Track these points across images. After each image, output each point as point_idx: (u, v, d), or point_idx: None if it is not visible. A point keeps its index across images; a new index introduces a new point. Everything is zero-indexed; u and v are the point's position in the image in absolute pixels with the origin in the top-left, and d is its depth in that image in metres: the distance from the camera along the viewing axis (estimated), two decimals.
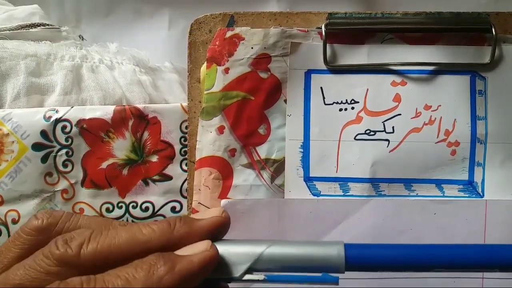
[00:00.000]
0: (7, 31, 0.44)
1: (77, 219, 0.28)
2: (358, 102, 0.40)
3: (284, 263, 0.27)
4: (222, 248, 0.28)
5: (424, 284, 0.39)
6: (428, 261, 0.27)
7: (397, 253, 0.27)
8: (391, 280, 0.39)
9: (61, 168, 0.41)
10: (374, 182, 0.40)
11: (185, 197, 0.41)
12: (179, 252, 0.26)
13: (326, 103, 0.40)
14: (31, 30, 0.46)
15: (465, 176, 0.40)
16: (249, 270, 0.27)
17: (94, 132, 0.41)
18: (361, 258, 0.27)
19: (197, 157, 0.40)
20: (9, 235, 0.40)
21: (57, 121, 0.40)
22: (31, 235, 0.27)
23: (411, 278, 0.39)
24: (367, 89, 0.40)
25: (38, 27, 0.46)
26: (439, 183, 0.40)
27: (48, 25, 0.47)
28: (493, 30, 0.39)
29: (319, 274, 0.27)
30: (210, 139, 0.40)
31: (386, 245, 0.28)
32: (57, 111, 0.41)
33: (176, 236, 0.27)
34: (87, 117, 0.41)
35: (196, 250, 0.26)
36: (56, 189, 0.41)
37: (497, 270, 0.27)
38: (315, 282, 0.27)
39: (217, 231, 0.29)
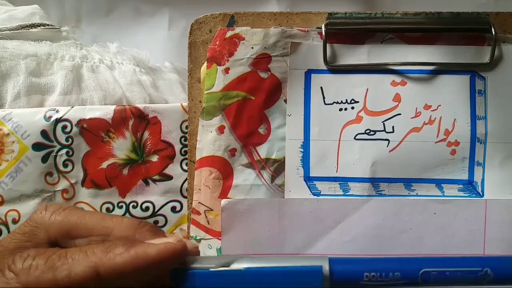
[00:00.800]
0: (7, 31, 0.44)
1: (54, 207, 0.31)
2: (358, 102, 0.40)
3: (268, 279, 0.26)
4: (196, 257, 0.28)
5: None
6: (415, 275, 0.26)
7: (383, 267, 0.26)
8: None
9: (61, 168, 0.41)
10: (374, 181, 0.40)
11: (185, 197, 0.41)
12: (147, 241, 0.28)
13: (326, 103, 0.40)
14: (31, 30, 0.46)
15: (465, 176, 0.40)
16: (227, 264, 0.26)
17: (95, 132, 0.41)
18: (347, 273, 0.26)
19: (197, 157, 0.40)
20: None
21: (58, 121, 0.40)
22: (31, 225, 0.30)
23: None
24: (367, 89, 0.40)
25: (38, 27, 0.46)
26: (439, 183, 0.40)
27: (48, 25, 0.47)
28: (493, 30, 0.39)
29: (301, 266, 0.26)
30: (210, 139, 0.40)
31: (372, 260, 0.27)
32: (57, 111, 0.41)
33: (138, 236, 0.28)
34: (88, 117, 0.41)
35: (161, 241, 0.27)
36: (56, 189, 0.41)
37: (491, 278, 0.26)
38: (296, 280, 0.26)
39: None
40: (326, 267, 0.26)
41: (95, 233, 0.28)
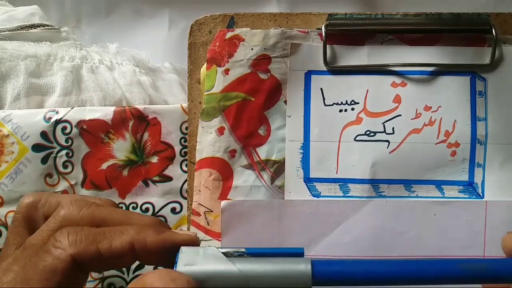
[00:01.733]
0: (7, 32, 0.44)
1: (57, 195, 0.33)
2: (358, 103, 0.40)
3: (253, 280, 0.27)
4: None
5: None
6: (396, 277, 0.27)
7: (364, 268, 0.27)
8: None
9: (61, 169, 0.41)
10: (374, 183, 0.40)
11: (185, 198, 0.41)
12: None
13: (326, 104, 0.40)
14: (31, 30, 0.46)
15: (465, 177, 0.40)
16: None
17: (94, 133, 0.41)
18: (329, 274, 0.27)
19: (197, 158, 0.40)
20: None
21: (57, 122, 0.40)
22: (21, 212, 0.32)
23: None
24: (367, 90, 0.40)
25: (38, 28, 0.46)
26: (439, 184, 0.40)
27: (47, 25, 0.47)
28: (493, 30, 0.39)
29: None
30: (210, 140, 0.40)
31: (354, 261, 0.28)
32: (57, 112, 0.41)
33: (162, 229, 0.30)
34: (87, 118, 0.41)
35: (184, 233, 0.30)
36: (56, 190, 0.41)
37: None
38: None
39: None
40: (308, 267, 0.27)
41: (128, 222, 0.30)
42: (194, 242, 0.29)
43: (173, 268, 0.27)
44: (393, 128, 0.40)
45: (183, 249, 0.28)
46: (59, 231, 0.28)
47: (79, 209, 0.30)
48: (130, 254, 0.28)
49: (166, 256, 0.28)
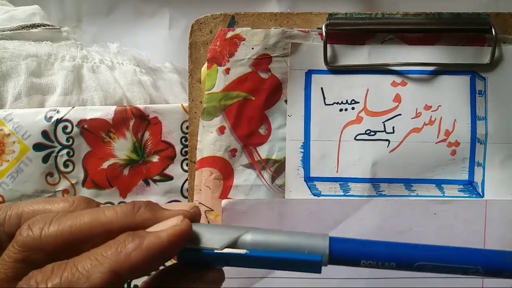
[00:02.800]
0: (8, 32, 0.44)
1: (16, 206, 0.29)
2: (358, 102, 0.40)
3: (266, 247, 0.27)
4: (201, 227, 0.28)
5: (423, 283, 0.39)
6: (411, 259, 0.27)
7: (380, 249, 0.27)
8: (393, 280, 0.39)
9: (62, 168, 0.41)
10: (374, 182, 0.40)
11: (186, 197, 0.41)
12: (150, 229, 0.27)
13: (326, 103, 0.40)
14: (31, 30, 0.46)
15: (465, 176, 0.40)
16: (230, 245, 0.27)
17: (95, 132, 0.41)
18: (345, 250, 0.27)
19: (198, 157, 0.40)
20: None
21: (58, 121, 0.40)
22: None
23: (410, 278, 0.39)
24: (368, 89, 0.40)
25: (39, 28, 0.46)
26: (439, 183, 0.40)
27: (48, 25, 0.47)
28: (493, 30, 0.39)
29: (303, 254, 0.27)
30: (210, 139, 0.40)
31: (370, 241, 0.28)
32: (58, 112, 0.41)
33: (138, 220, 0.27)
34: (88, 117, 0.41)
35: (166, 225, 0.27)
36: (57, 189, 0.41)
37: (480, 269, 0.27)
38: (298, 263, 0.27)
39: None
40: (326, 253, 0.27)
41: (95, 234, 0.26)
42: (183, 232, 0.26)
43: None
44: (393, 127, 0.40)
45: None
46: (25, 279, 0.25)
47: (39, 231, 0.26)
48: (116, 282, 0.24)
49: (162, 260, 0.26)
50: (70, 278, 0.24)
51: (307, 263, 0.27)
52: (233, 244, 0.27)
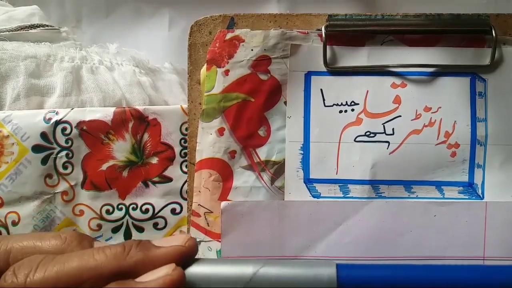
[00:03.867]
0: (7, 32, 0.44)
1: (6, 241, 0.28)
2: (358, 104, 0.40)
3: (276, 285, 0.26)
4: (201, 271, 0.27)
5: None
6: (424, 283, 0.27)
7: (391, 274, 0.27)
8: None
9: (61, 170, 0.41)
10: (374, 184, 0.40)
11: (185, 199, 0.41)
12: (140, 278, 0.26)
13: (326, 105, 0.40)
14: (30, 31, 0.46)
15: (465, 178, 0.40)
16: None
17: (94, 134, 0.41)
18: (354, 279, 0.27)
19: (197, 159, 0.40)
20: None
21: (57, 123, 0.40)
22: None
23: None
24: (367, 91, 0.40)
25: (38, 28, 0.46)
26: (439, 185, 0.40)
27: (47, 26, 0.47)
28: (493, 31, 0.39)
29: None
30: (210, 141, 0.40)
31: (379, 266, 0.28)
32: (57, 113, 0.41)
33: (129, 262, 0.26)
34: (87, 119, 0.41)
35: (156, 275, 0.26)
36: (56, 191, 0.41)
37: None
38: None
39: (179, 261, 0.27)
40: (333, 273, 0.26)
41: (84, 279, 0.25)
42: (175, 283, 0.25)
43: None
44: (393, 129, 0.40)
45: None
46: None
47: (25, 276, 0.25)
48: None
49: None
50: None
51: None
52: (245, 285, 0.26)
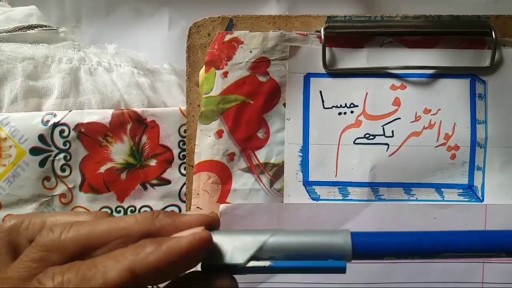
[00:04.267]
0: (4, 33, 0.44)
1: (41, 215, 0.30)
2: (357, 106, 0.40)
3: (288, 252, 0.27)
4: (222, 237, 0.27)
5: (424, 283, 0.39)
6: (434, 247, 0.27)
7: (403, 240, 0.27)
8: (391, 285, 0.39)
9: (59, 172, 0.41)
10: (373, 186, 0.39)
11: (183, 201, 0.41)
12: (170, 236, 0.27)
13: (325, 107, 0.40)
14: (28, 31, 0.45)
15: (464, 180, 0.40)
16: (254, 258, 0.27)
17: (92, 136, 0.40)
18: (368, 245, 0.27)
19: (196, 161, 0.40)
20: None
21: (55, 125, 0.40)
22: (2, 237, 0.28)
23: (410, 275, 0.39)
24: (367, 93, 0.40)
25: (36, 29, 0.46)
26: (438, 187, 0.40)
27: (45, 26, 0.46)
28: (493, 33, 0.39)
29: (326, 261, 0.27)
30: (208, 143, 0.40)
31: (392, 233, 0.28)
32: (55, 115, 0.40)
33: (158, 225, 0.27)
34: (85, 121, 0.41)
35: (186, 233, 0.27)
36: (54, 194, 0.41)
37: (503, 254, 0.27)
38: (322, 270, 0.27)
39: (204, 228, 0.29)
40: (349, 253, 0.27)
41: (113, 238, 0.26)
42: (203, 240, 0.26)
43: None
44: (392, 131, 0.40)
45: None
46: (43, 272, 0.25)
47: (59, 233, 0.26)
48: (132, 282, 0.24)
49: (182, 268, 0.26)
50: (86, 273, 0.24)
51: (331, 269, 0.27)
52: (255, 257, 0.27)
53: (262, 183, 0.40)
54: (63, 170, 0.41)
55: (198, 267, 0.27)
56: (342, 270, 0.26)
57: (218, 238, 0.27)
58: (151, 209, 0.41)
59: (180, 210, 0.41)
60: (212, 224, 0.28)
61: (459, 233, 0.28)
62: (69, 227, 0.27)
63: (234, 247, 0.27)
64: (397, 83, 0.40)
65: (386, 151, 0.39)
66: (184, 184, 0.41)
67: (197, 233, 0.26)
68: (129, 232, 0.27)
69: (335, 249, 0.27)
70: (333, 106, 0.40)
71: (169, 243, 0.25)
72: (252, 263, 0.27)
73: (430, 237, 0.27)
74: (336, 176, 0.40)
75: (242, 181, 0.40)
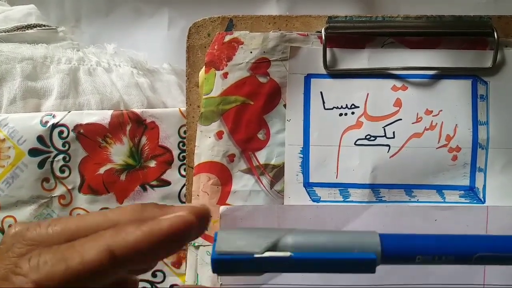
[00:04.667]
0: (3, 33, 0.44)
1: (47, 221, 0.28)
2: (358, 107, 0.39)
3: (311, 250, 0.24)
4: (238, 230, 0.25)
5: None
6: (467, 251, 0.26)
7: (436, 243, 0.26)
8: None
9: (58, 173, 0.40)
10: (374, 187, 0.39)
11: (183, 203, 0.41)
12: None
13: (326, 107, 0.40)
14: (27, 31, 0.45)
15: (466, 182, 0.39)
16: (271, 248, 0.24)
17: (92, 137, 0.40)
18: (398, 247, 0.26)
19: (196, 163, 0.40)
20: None
21: (54, 126, 0.40)
22: (6, 242, 0.27)
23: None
24: (367, 94, 0.39)
25: (34, 28, 0.45)
26: (440, 189, 0.39)
27: (44, 26, 0.46)
28: (495, 34, 0.38)
29: (355, 253, 0.24)
30: (208, 144, 0.39)
31: (424, 236, 0.27)
32: (54, 116, 0.40)
33: (146, 215, 0.26)
34: (84, 122, 0.40)
35: (170, 216, 0.26)
36: (53, 195, 0.40)
37: None
38: (348, 264, 0.24)
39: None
40: (378, 251, 0.25)
41: (102, 229, 0.26)
42: (186, 222, 0.25)
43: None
44: (393, 132, 0.39)
45: (219, 233, 0.25)
46: (20, 258, 0.24)
47: (46, 227, 0.26)
48: (111, 263, 0.24)
49: (162, 250, 0.25)
50: (64, 254, 0.24)
51: (359, 263, 0.24)
52: (274, 247, 0.24)
53: (263, 184, 0.39)
54: (62, 171, 0.40)
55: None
56: (372, 266, 0.24)
57: (230, 231, 0.25)
58: None
59: None
60: (203, 214, 0.27)
61: (492, 238, 0.27)
62: (57, 221, 0.26)
63: (249, 236, 0.25)
64: (398, 84, 0.39)
65: (387, 152, 0.39)
66: (184, 185, 0.41)
67: (180, 215, 0.25)
68: (117, 223, 0.26)
69: (362, 247, 0.25)
70: (333, 107, 0.40)
71: (150, 224, 0.25)
72: (270, 253, 0.24)
73: (462, 240, 0.27)
74: (336, 178, 0.39)
75: (242, 183, 0.39)
